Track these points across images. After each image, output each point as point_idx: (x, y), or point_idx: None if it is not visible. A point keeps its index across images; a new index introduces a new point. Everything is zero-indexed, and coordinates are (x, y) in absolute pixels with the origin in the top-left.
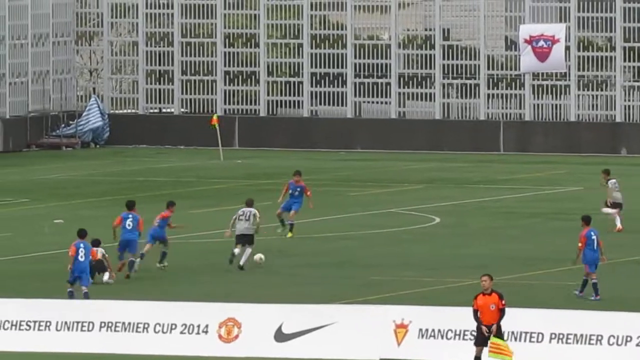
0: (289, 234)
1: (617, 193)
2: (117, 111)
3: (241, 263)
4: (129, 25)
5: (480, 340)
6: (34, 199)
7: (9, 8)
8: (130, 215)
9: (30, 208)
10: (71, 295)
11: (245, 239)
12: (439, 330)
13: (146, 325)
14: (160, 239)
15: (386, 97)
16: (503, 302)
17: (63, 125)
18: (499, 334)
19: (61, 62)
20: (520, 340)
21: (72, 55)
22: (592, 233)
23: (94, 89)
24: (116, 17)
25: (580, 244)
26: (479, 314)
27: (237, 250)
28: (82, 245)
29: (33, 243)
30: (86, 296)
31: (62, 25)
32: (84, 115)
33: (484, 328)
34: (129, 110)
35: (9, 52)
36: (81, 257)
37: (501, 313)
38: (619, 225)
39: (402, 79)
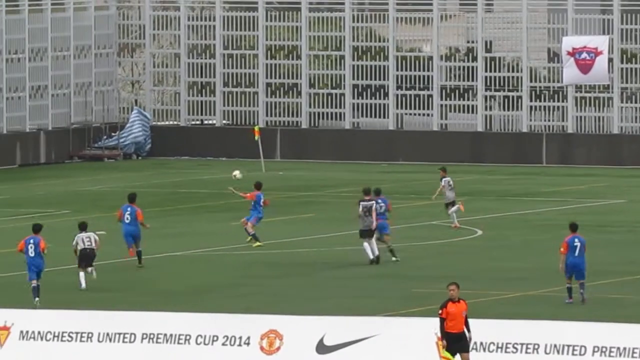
0: (257, 244)
1: (450, 192)
2: (158, 123)
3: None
4: (171, 37)
5: (457, 347)
6: (75, 211)
7: (51, 20)
8: (129, 208)
9: (72, 219)
10: (34, 290)
11: (367, 233)
12: (482, 343)
13: (188, 337)
14: (381, 229)
15: (428, 109)
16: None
17: (105, 137)
18: (468, 343)
19: (103, 74)
20: (562, 353)
21: (114, 67)
22: (576, 239)
23: (135, 100)
24: (158, 29)
25: (562, 249)
26: (446, 322)
27: (369, 252)
28: (31, 240)
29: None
30: (34, 290)
31: (104, 37)
32: (127, 127)
33: (447, 338)
34: (171, 122)
35: (51, 64)
36: (31, 252)
37: (466, 321)
38: (456, 222)
39: (444, 91)
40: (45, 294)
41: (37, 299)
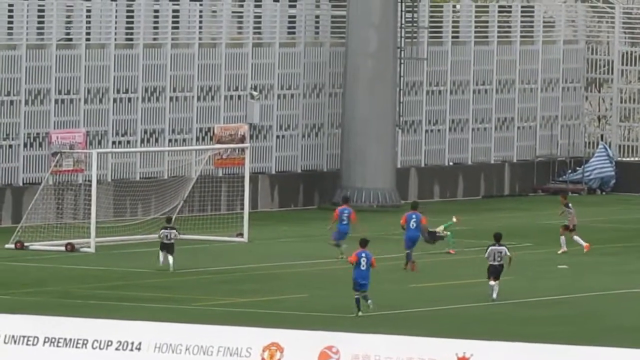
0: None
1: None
2: (624, 159)
3: None
4: (639, 74)
5: None
6: (537, 244)
7: (519, 52)
8: (414, 216)
9: (532, 252)
10: (357, 302)
11: None
12: None
13: None
14: None
15: None
16: None
17: (570, 171)
18: None
19: (570, 107)
20: None
21: (581, 102)
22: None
23: (601, 135)
24: (626, 65)
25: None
26: None
27: None
28: (363, 254)
29: (533, 287)
30: (366, 298)
31: (572, 71)
32: (592, 161)
33: None
34: (637, 158)
35: (518, 96)
36: (362, 266)
37: None
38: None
39: None
40: (503, 326)
41: (359, 312)
